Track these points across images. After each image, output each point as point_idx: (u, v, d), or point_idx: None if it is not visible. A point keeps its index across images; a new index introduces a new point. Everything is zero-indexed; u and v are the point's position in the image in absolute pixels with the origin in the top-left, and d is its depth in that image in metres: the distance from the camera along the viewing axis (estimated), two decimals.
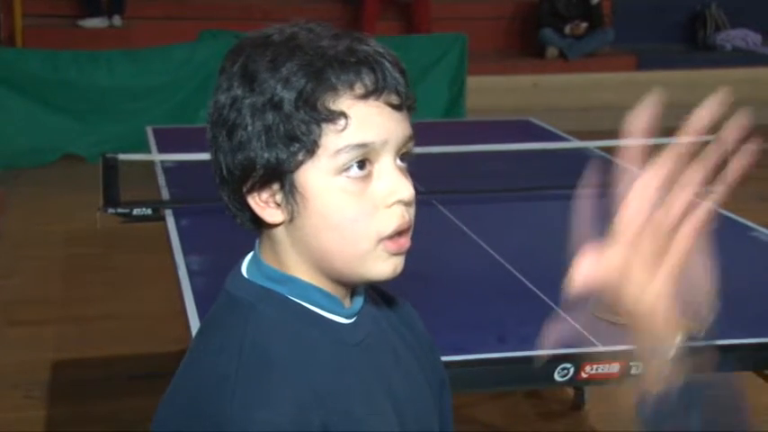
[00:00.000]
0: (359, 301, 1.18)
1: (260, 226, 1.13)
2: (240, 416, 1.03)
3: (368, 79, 1.07)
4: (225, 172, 1.11)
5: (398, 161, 1.11)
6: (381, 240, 1.09)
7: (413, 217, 1.12)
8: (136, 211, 2.93)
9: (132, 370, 3.96)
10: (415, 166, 1.15)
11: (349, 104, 1.07)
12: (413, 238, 1.14)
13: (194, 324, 2.04)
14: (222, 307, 1.15)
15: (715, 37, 10.19)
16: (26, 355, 4.14)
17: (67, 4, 8.75)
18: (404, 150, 1.11)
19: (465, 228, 2.74)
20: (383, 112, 1.08)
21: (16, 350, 4.19)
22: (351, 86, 1.07)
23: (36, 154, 7.17)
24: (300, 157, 1.07)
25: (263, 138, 1.07)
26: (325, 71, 1.06)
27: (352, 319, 1.16)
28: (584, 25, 9.42)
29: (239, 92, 1.08)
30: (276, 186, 1.09)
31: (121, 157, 2.99)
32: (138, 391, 3.75)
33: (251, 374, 1.06)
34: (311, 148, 1.07)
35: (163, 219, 2.85)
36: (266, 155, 1.07)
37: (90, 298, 4.74)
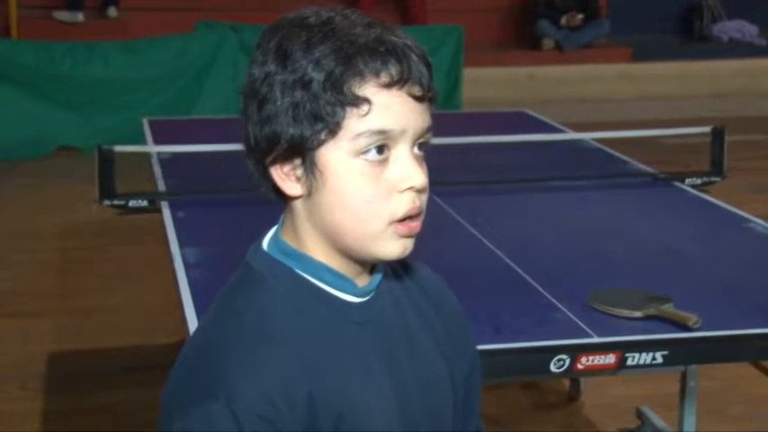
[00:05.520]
0: (376, 279, 1.22)
1: (281, 197, 1.18)
2: (230, 378, 1.11)
3: (394, 69, 1.12)
4: (252, 142, 1.16)
5: (416, 150, 1.16)
6: (392, 223, 1.14)
7: (425, 203, 1.17)
8: (132, 203, 2.93)
9: (128, 362, 3.96)
10: None
11: (373, 91, 1.12)
12: None
13: (190, 315, 2.03)
14: (239, 276, 1.21)
15: (711, 28, 10.18)
16: (22, 347, 4.14)
17: None
18: (422, 140, 1.17)
19: (461, 219, 2.74)
20: (405, 102, 1.14)
21: (12, 342, 4.19)
22: (377, 74, 1.12)
23: (31, 146, 7.16)
24: (323, 136, 1.12)
25: (290, 114, 1.12)
26: (354, 57, 1.11)
27: (365, 298, 1.20)
28: (579, 17, 9.42)
29: (272, 67, 1.13)
30: (298, 161, 1.15)
31: (117, 148, 2.98)
32: (134, 382, 3.75)
33: (248, 342, 1.13)
34: (333, 129, 1.12)
35: (159, 210, 2.85)
36: (291, 130, 1.13)
37: (86, 290, 4.74)
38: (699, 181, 3.20)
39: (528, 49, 9.54)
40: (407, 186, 1.14)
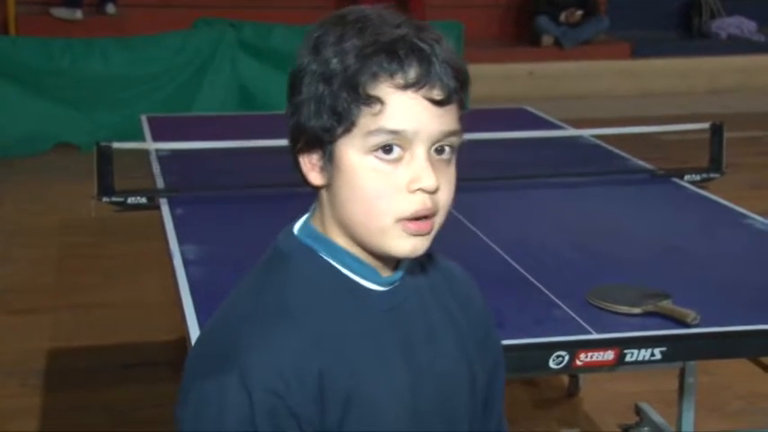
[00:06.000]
0: (400, 272, 1.24)
1: (310, 185, 1.22)
2: (245, 351, 1.14)
3: (412, 72, 1.14)
4: (288, 131, 1.21)
5: (434, 153, 1.17)
6: (400, 220, 1.16)
7: (441, 205, 1.18)
8: (130, 200, 2.93)
9: (127, 359, 3.96)
10: None
11: (388, 92, 1.14)
12: None
13: (190, 312, 2.03)
14: (267, 255, 1.26)
15: (710, 24, 10.18)
16: (21, 343, 4.14)
17: None
18: (442, 143, 1.17)
19: (459, 216, 2.74)
20: (421, 104, 1.15)
21: (11, 339, 4.19)
22: (391, 76, 1.14)
23: (30, 143, 7.16)
24: (339, 131, 1.15)
25: (312, 106, 1.16)
26: (371, 57, 1.13)
27: (387, 288, 1.23)
28: (579, 13, 9.41)
29: (305, 60, 1.17)
30: (320, 152, 1.18)
31: (116, 145, 2.97)
32: (133, 379, 3.76)
33: (266, 317, 1.17)
34: (349, 126, 1.15)
35: (157, 207, 2.84)
36: (312, 122, 1.16)
37: (84, 287, 4.74)
38: (698, 177, 3.20)
39: (527, 45, 9.53)
40: (416, 187, 1.15)
